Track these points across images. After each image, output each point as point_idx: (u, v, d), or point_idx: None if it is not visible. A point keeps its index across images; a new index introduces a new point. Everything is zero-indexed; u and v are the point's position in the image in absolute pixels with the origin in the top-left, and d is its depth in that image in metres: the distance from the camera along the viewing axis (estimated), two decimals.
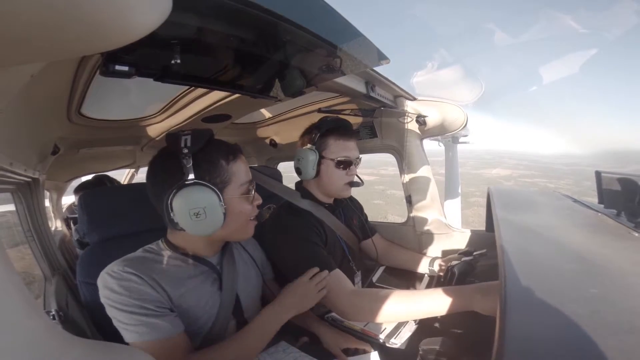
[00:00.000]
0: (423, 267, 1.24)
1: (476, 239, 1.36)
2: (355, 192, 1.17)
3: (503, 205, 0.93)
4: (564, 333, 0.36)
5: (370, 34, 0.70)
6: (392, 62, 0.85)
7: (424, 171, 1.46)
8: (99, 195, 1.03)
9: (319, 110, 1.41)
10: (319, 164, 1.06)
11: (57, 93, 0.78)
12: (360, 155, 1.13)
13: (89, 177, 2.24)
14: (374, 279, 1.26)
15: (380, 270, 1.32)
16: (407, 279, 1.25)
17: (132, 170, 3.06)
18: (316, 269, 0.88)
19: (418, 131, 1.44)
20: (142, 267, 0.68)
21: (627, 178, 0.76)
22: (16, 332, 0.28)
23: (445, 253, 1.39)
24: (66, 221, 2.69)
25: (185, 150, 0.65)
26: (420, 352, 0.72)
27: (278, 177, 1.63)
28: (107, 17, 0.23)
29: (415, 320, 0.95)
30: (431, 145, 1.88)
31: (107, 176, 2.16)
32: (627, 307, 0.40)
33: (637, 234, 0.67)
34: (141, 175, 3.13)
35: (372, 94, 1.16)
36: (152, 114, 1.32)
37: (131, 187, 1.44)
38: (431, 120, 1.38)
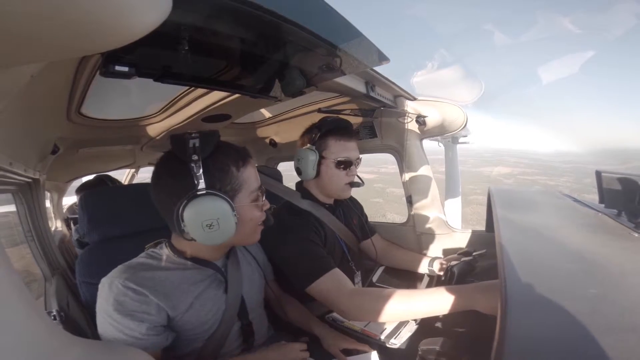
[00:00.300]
0: (423, 267, 1.24)
1: (476, 239, 1.36)
2: (354, 191, 1.17)
3: (503, 205, 0.93)
4: (564, 332, 0.36)
5: (370, 34, 0.69)
6: (392, 62, 0.85)
7: (424, 171, 1.46)
8: (99, 195, 1.03)
9: (319, 110, 1.40)
10: (319, 164, 1.06)
11: (57, 93, 0.78)
12: (360, 156, 1.14)
13: (90, 177, 2.24)
14: (374, 279, 1.27)
15: (380, 270, 1.32)
16: (406, 279, 1.25)
17: (132, 170, 3.06)
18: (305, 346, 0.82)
19: (418, 131, 1.44)
20: (144, 279, 0.66)
21: (627, 178, 0.76)
22: (16, 332, 0.28)
23: (445, 253, 1.39)
24: (66, 221, 2.69)
25: (195, 157, 0.62)
26: (420, 353, 0.71)
27: (278, 177, 1.63)
28: (107, 17, 0.23)
29: (415, 321, 0.95)
30: (431, 143, 1.87)
31: (109, 176, 2.16)
32: (627, 307, 0.40)
33: (637, 234, 0.67)
34: (141, 175, 3.13)
35: (372, 94, 1.16)
36: (152, 114, 1.32)
37: (131, 187, 1.44)
38: (431, 120, 1.38)
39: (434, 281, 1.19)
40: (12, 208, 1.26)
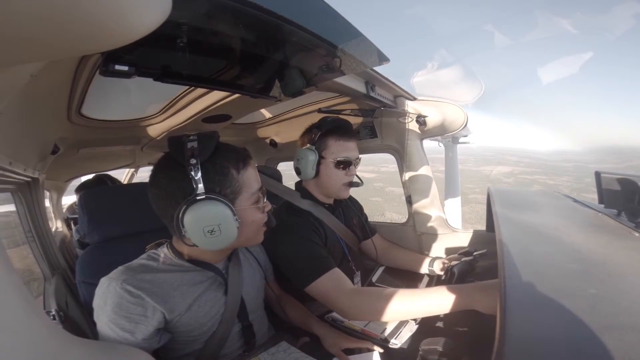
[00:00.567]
0: (423, 268, 1.24)
1: (476, 239, 1.35)
2: (353, 190, 1.17)
3: (503, 205, 0.93)
4: (564, 332, 0.36)
5: (370, 34, 0.69)
6: (392, 62, 0.85)
7: (424, 171, 1.46)
8: (99, 195, 1.03)
9: (319, 110, 1.40)
10: (319, 164, 1.06)
11: (57, 93, 0.78)
12: (361, 155, 1.13)
13: (90, 176, 2.24)
14: (374, 279, 1.26)
15: (380, 270, 1.31)
16: (406, 279, 1.25)
17: (132, 170, 3.06)
18: None
19: (418, 131, 1.44)
20: (143, 281, 0.65)
21: (627, 178, 0.76)
22: (16, 332, 0.28)
23: (446, 253, 1.39)
24: (66, 221, 2.69)
25: (194, 161, 0.61)
26: (421, 352, 0.71)
27: (278, 177, 1.63)
28: (107, 16, 0.23)
29: (415, 320, 0.95)
30: (431, 143, 1.87)
31: (109, 175, 2.15)
32: (627, 306, 0.40)
33: (637, 234, 0.67)
34: (141, 175, 3.13)
35: (372, 94, 1.16)
36: (152, 114, 1.32)
37: (131, 187, 1.44)
38: (431, 120, 1.38)
39: (434, 281, 1.19)
40: (12, 208, 1.26)
